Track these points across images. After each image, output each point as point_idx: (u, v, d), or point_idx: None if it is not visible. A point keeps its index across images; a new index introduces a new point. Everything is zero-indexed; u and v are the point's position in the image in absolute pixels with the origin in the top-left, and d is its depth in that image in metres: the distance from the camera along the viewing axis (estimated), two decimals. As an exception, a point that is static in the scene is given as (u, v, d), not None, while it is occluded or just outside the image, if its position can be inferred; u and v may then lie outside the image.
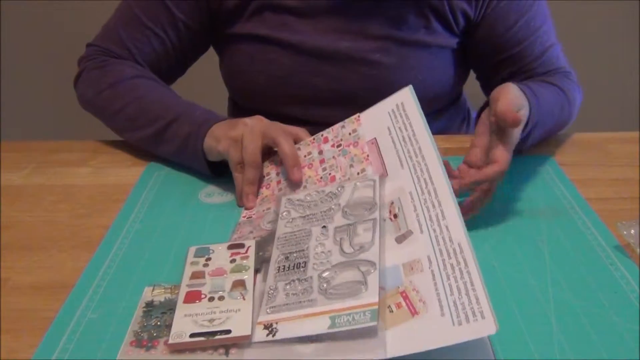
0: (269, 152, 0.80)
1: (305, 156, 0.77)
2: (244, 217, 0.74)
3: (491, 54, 0.93)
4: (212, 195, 0.80)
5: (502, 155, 0.69)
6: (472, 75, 1.02)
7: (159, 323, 0.57)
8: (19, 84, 1.93)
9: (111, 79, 0.88)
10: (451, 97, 1.00)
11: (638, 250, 0.66)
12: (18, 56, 1.89)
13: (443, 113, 0.98)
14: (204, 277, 0.61)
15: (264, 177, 0.78)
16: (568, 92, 0.89)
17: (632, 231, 0.68)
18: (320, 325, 0.53)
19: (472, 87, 1.03)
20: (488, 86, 0.99)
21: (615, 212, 0.74)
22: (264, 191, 0.77)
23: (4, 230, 0.73)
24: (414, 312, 0.53)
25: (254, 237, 0.68)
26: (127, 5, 0.92)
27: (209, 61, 1.01)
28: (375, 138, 0.73)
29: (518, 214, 0.74)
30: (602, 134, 0.95)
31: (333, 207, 0.67)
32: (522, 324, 0.57)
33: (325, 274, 0.58)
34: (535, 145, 0.86)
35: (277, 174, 0.78)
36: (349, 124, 0.77)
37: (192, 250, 0.66)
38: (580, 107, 0.95)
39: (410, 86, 0.72)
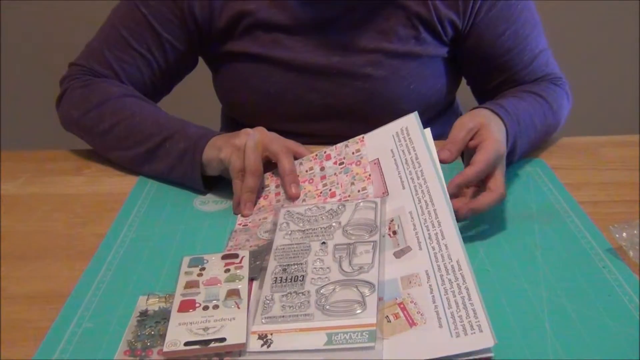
0: (270, 164, 0.80)
1: (306, 171, 0.78)
2: (240, 224, 0.75)
3: (481, 63, 0.93)
4: (207, 203, 0.80)
5: (476, 158, 0.70)
6: (464, 81, 1.02)
7: (152, 332, 0.57)
8: (15, 93, 1.93)
9: (98, 98, 0.87)
10: (444, 104, 1.00)
11: (631, 253, 0.67)
12: (15, 66, 1.90)
13: (437, 120, 0.98)
14: (198, 286, 0.61)
15: (263, 188, 0.79)
16: (551, 100, 0.89)
17: (624, 234, 0.68)
18: (316, 341, 0.54)
19: (466, 93, 1.04)
20: (480, 93, 0.99)
21: (607, 215, 0.74)
22: (261, 201, 0.78)
23: (-1, 240, 0.73)
24: (412, 323, 0.54)
25: (251, 246, 0.68)
26: (112, 25, 0.92)
27: (202, 75, 1.01)
28: (377, 159, 0.74)
29: (511, 217, 0.75)
30: (593, 137, 0.96)
31: (333, 224, 0.67)
32: (516, 328, 0.58)
33: (323, 290, 0.59)
34: (526, 154, 0.86)
35: (277, 187, 0.78)
36: (353, 144, 0.77)
37: (187, 260, 0.66)
38: (571, 110, 0.96)
39: (416, 112, 0.74)
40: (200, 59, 0.99)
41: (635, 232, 0.68)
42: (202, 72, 1.00)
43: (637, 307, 0.60)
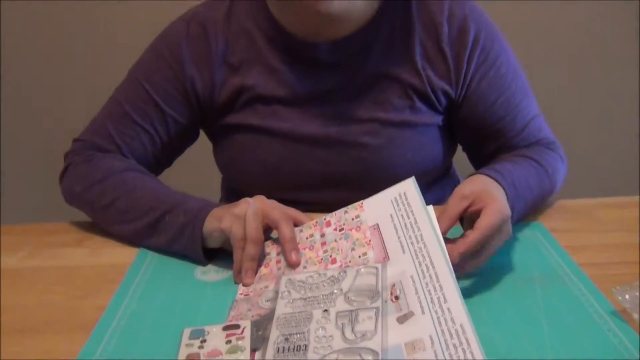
0: (270, 231, 0.80)
1: (307, 238, 0.78)
2: (241, 294, 0.74)
3: (474, 131, 0.95)
4: (208, 272, 0.80)
5: (479, 223, 0.71)
6: (460, 146, 1.04)
7: (155, 406, 0.56)
8: (17, 167, 1.95)
9: (100, 173, 0.89)
10: (441, 171, 1.01)
11: (635, 315, 0.66)
12: (17, 136, 1.93)
13: (434, 185, 1.00)
14: (199, 359, 0.61)
15: (264, 256, 0.79)
16: (546, 164, 0.90)
17: (627, 296, 0.68)
18: None
19: (462, 158, 1.05)
20: (476, 159, 1.01)
21: (608, 277, 0.74)
22: (262, 269, 0.78)
23: (-1, 315, 0.73)
24: None
25: (252, 316, 0.68)
26: (116, 100, 0.94)
27: (203, 146, 1.03)
28: (377, 224, 0.75)
29: (513, 282, 0.75)
30: (589, 199, 0.97)
31: (335, 291, 0.67)
32: (523, 395, 0.57)
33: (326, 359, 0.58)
34: (522, 218, 0.87)
35: (278, 254, 0.78)
36: (352, 210, 0.78)
37: (187, 332, 0.65)
38: (567, 173, 0.97)
39: (413, 177, 0.75)
40: (201, 131, 1.01)
41: (637, 294, 0.68)
42: (202, 144, 1.02)
43: (644, 370, 0.59)
